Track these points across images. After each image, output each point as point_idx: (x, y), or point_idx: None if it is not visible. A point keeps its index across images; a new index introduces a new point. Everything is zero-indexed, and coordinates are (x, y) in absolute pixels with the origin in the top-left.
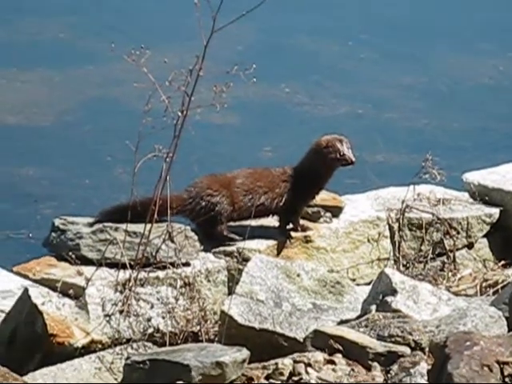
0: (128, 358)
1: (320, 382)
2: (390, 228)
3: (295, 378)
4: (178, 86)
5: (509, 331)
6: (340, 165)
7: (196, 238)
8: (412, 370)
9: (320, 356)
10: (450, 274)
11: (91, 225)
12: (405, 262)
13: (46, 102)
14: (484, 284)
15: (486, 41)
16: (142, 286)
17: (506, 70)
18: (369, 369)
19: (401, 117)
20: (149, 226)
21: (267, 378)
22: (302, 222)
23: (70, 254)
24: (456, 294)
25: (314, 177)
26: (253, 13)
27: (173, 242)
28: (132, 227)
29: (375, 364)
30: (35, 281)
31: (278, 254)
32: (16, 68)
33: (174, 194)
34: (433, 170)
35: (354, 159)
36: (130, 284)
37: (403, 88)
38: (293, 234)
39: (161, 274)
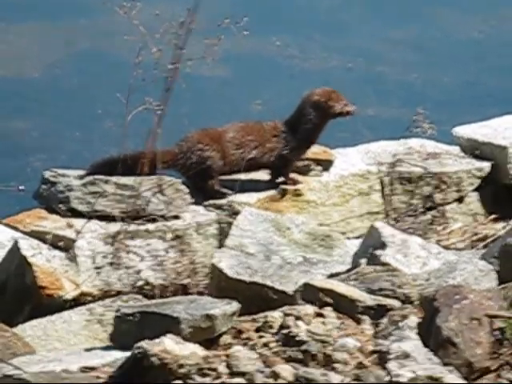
0: (118, 311)
1: (310, 334)
2: (381, 182)
3: (285, 331)
4: (169, 38)
5: (499, 285)
6: (339, 116)
7: (187, 191)
8: (401, 324)
9: (310, 309)
10: (440, 227)
11: (81, 177)
12: (395, 216)
13: (36, 54)
14: (474, 238)
15: None
16: (132, 238)
17: (497, 24)
18: (358, 322)
19: (392, 71)
20: (139, 178)
21: (257, 330)
22: (292, 175)
23: (60, 206)
24: (446, 247)
25: (308, 130)
26: None
27: (163, 194)
28: (122, 180)
29: (365, 317)
30: (25, 233)
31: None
32: (5, 21)
33: (165, 149)
34: (423, 123)
35: (355, 109)
36: (120, 236)
37: (394, 42)
38: (283, 187)
39: (151, 226)
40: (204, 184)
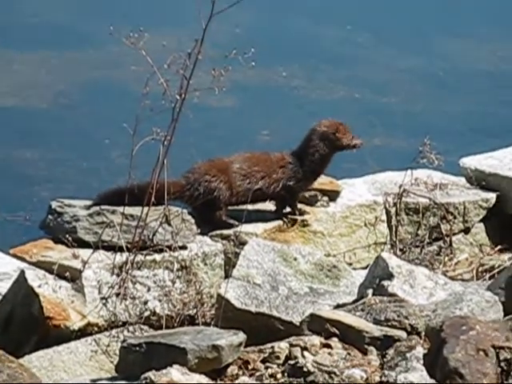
0: (124, 341)
1: (316, 365)
2: (387, 212)
3: (291, 362)
4: (176, 69)
5: (505, 316)
6: (346, 149)
7: (193, 221)
8: (408, 355)
9: (316, 340)
10: (446, 258)
11: (89, 207)
12: (401, 247)
13: (44, 84)
14: (480, 269)
15: (485, 26)
16: (139, 268)
17: (504, 55)
18: (365, 353)
19: (398, 101)
20: (146, 209)
21: (263, 361)
22: (299, 205)
23: (67, 236)
24: (452, 278)
25: (315, 162)
26: None
27: (170, 225)
28: (129, 210)
29: (371, 348)
30: (32, 263)
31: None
32: (14, 50)
33: (173, 180)
34: (430, 154)
35: (362, 143)
36: (127, 267)
37: (401, 72)
38: (291, 217)
39: (158, 257)
40: (211, 215)
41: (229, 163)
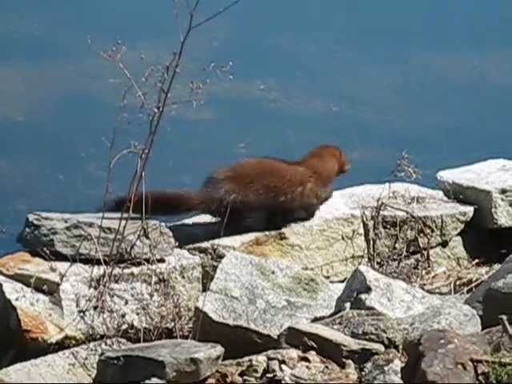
0: (102, 354)
1: (294, 379)
2: (365, 226)
3: (269, 375)
4: (154, 82)
5: (482, 329)
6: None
7: (171, 234)
8: (386, 368)
9: (294, 353)
10: (423, 271)
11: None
12: (379, 260)
13: (21, 96)
14: (458, 282)
15: (463, 41)
16: (117, 282)
17: (482, 69)
18: (343, 366)
19: (376, 115)
20: (124, 221)
21: (241, 374)
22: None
23: (44, 249)
24: (430, 291)
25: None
26: (229, 9)
27: (147, 238)
28: (106, 223)
29: (349, 361)
30: (9, 276)
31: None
32: None
33: (194, 192)
34: (408, 168)
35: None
36: (105, 280)
37: (379, 86)
38: (267, 232)
39: (135, 270)
40: (231, 225)
41: (255, 175)
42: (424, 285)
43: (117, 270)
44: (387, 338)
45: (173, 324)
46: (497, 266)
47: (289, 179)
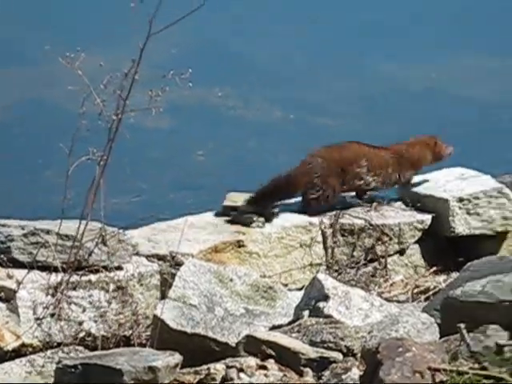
0: (59, 362)
1: None
2: (323, 233)
3: (227, 383)
4: (113, 89)
5: (440, 338)
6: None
7: (129, 241)
8: (344, 376)
9: (252, 361)
10: (381, 279)
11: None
12: (337, 268)
13: None
14: (416, 290)
15: (419, 49)
16: (74, 289)
17: (438, 76)
18: (301, 374)
19: (334, 122)
20: (82, 228)
21: (199, 382)
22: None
23: (1, 256)
24: (388, 299)
25: None
26: (188, 17)
27: (106, 245)
28: (64, 230)
29: (307, 370)
30: None
31: None
32: None
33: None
34: (366, 176)
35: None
36: (62, 287)
37: (336, 94)
38: (226, 239)
39: (93, 277)
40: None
41: (354, 157)
42: (382, 293)
43: (74, 278)
44: (345, 346)
45: (131, 332)
46: (454, 274)
47: (372, 162)
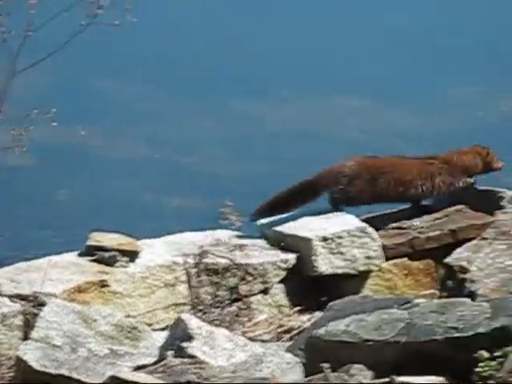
0: None
1: None
2: (188, 273)
3: None
4: None
5: (305, 377)
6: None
7: None
8: None
9: None
10: (245, 319)
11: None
12: (202, 307)
13: None
14: (280, 330)
15: (284, 88)
16: None
17: (303, 116)
18: None
19: (200, 161)
20: None
21: None
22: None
23: None
24: (252, 339)
25: None
26: (53, 55)
27: None
28: None
29: None
30: None
31: None
32: None
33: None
34: (231, 215)
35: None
36: None
37: (203, 133)
38: (90, 279)
39: None
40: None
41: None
42: (246, 332)
43: None
44: None
45: None
46: (318, 314)
47: (416, 171)
